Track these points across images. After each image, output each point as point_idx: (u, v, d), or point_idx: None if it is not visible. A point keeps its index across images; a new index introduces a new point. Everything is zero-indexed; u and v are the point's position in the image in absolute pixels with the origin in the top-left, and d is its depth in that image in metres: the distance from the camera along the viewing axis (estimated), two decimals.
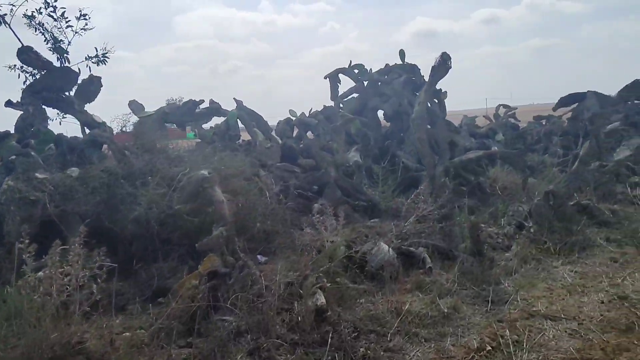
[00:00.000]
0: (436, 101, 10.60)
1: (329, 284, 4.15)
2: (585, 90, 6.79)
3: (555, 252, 5.56)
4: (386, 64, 10.47)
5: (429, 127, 10.23)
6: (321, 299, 3.74)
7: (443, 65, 7.35)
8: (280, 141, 8.03)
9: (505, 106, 19.18)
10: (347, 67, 9.73)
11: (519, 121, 18.59)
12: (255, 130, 7.13)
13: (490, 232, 5.80)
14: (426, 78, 10.54)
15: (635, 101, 18.32)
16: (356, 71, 9.66)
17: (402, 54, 10.31)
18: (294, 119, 8.54)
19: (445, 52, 7.43)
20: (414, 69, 10.26)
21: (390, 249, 5.01)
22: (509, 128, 12.05)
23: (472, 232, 4.99)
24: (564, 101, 7.09)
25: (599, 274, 4.92)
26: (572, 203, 6.75)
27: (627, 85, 6.71)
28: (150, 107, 8.37)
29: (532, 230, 5.93)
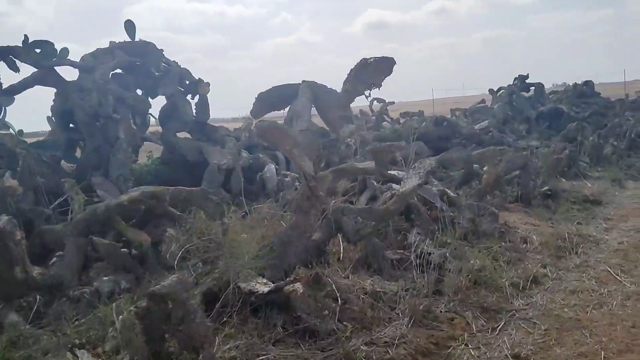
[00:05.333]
0: (190, 99, 7.46)
1: None
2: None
3: None
4: (110, 42, 7.20)
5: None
6: None
7: None
8: None
9: (379, 100, 16.47)
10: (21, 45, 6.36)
11: (391, 119, 15.97)
12: None
13: None
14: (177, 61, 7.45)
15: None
16: (38, 51, 6.36)
17: (129, 26, 7.06)
18: None
19: None
20: (147, 48, 7.05)
21: None
22: None
23: None
24: (266, 99, 4.03)
25: None
26: (264, 291, 3.77)
27: (351, 71, 3.74)
28: None
29: None
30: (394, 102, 17.28)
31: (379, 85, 3.80)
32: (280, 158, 7.61)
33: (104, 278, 4.20)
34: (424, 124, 11.42)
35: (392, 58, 3.63)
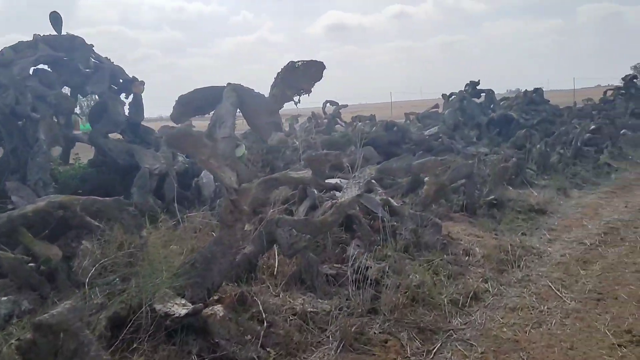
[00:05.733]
0: (124, 98, 7.00)
1: None
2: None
3: None
4: (34, 34, 6.67)
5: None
6: None
7: None
8: None
9: (332, 103, 16.28)
10: None
11: (345, 122, 15.81)
12: None
13: None
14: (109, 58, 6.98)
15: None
16: None
17: (55, 18, 6.56)
18: None
19: None
20: (74, 42, 6.56)
21: None
22: None
23: None
24: (189, 102, 3.69)
25: None
26: (180, 314, 3.43)
27: (278, 74, 3.44)
28: None
29: None
30: (347, 105, 17.12)
31: (308, 91, 3.53)
32: None
33: (2, 298, 3.76)
34: (374, 128, 11.27)
35: (322, 62, 3.36)
